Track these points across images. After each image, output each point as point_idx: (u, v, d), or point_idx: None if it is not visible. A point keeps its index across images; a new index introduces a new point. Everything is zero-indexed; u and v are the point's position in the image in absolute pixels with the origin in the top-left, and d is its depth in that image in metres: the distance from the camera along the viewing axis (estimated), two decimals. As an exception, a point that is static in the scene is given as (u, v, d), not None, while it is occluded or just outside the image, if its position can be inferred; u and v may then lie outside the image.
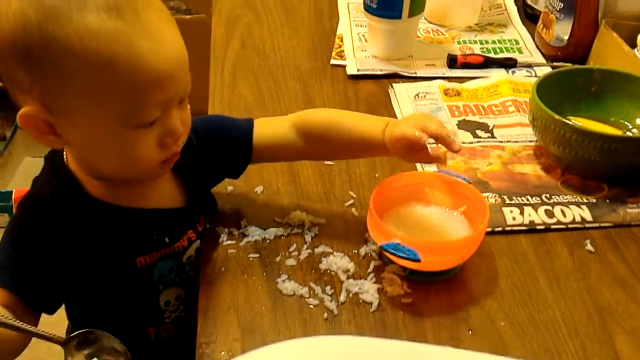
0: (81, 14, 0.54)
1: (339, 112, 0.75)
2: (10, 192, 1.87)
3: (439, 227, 0.72)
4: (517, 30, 1.19)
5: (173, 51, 0.58)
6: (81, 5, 0.54)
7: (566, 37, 1.07)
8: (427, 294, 0.67)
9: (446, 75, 1.06)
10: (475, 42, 1.16)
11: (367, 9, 1.06)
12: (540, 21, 1.13)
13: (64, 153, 0.67)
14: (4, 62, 0.57)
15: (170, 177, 0.71)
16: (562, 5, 1.06)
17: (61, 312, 0.70)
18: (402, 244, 0.64)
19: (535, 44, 1.14)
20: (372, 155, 0.82)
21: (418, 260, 0.63)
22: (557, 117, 0.80)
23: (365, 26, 1.15)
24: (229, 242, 0.73)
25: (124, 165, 0.62)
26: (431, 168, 0.83)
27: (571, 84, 0.90)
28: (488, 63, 1.08)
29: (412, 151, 0.67)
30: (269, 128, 0.75)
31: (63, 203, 0.65)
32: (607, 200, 0.79)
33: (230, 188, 0.81)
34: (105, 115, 0.58)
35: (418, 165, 0.85)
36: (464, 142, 0.89)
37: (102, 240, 0.66)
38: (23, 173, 2.10)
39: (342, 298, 0.67)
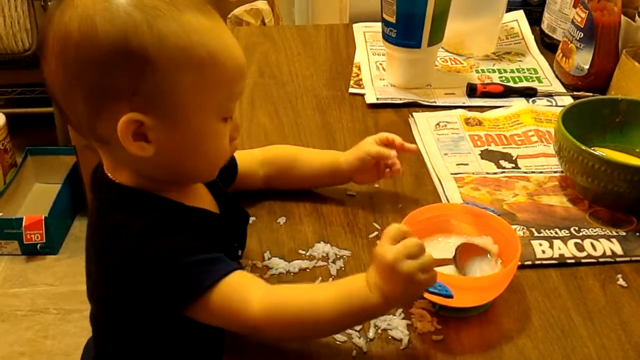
0: (179, 12, 0.57)
1: (300, 147, 0.87)
2: (21, 219, 1.86)
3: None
4: (535, 59, 1.19)
5: (240, 48, 0.62)
6: (175, 4, 0.57)
7: (586, 67, 1.06)
8: (459, 330, 0.65)
9: (466, 104, 1.05)
10: (493, 71, 1.15)
11: (386, 38, 1.05)
12: (559, 50, 1.12)
13: (110, 178, 0.63)
14: (102, 69, 0.55)
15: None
16: (582, 35, 1.05)
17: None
18: (433, 280, 0.63)
19: (555, 73, 1.14)
20: (330, 183, 0.85)
21: (450, 296, 0.61)
22: (583, 147, 0.79)
23: (383, 54, 1.15)
24: (253, 274, 0.71)
25: (208, 162, 0.63)
26: (457, 200, 0.82)
27: (596, 114, 0.89)
28: (508, 92, 1.07)
29: (367, 170, 0.80)
30: (242, 159, 0.80)
31: (167, 214, 0.62)
32: (637, 234, 0.78)
33: (252, 219, 0.80)
34: (205, 108, 0.59)
35: (443, 197, 0.84)
36: (487, 173, 0.88)
37: (210, 242, 0.61)
38: (33, 200, 2.09)
39: (370, 334, 0.65)
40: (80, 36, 0.55)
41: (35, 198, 2.09)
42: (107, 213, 0.62)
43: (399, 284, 0.57)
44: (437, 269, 0.64)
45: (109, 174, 0.63)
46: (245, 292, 0.58)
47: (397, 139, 0.81)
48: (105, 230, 0.61)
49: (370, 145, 0.80)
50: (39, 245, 1.88)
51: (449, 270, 0.67)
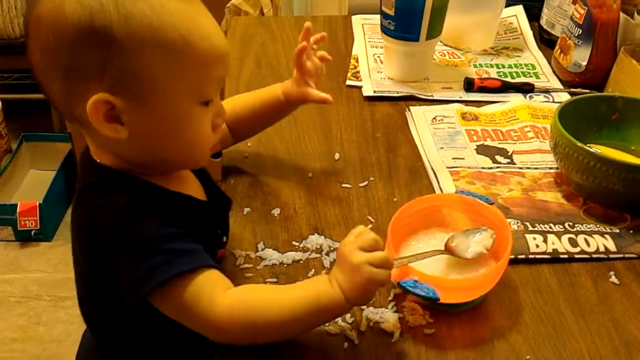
0: None
1: (239, 96, 0.88)
2: (15, 205, 1.85)
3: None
4: (534, 54, 1.19)
5: (223, 34, 0.62)
6: None
7: (584, 63, 1.06)
8: (450, 325, 0.65)
9: (463, 98, 1.05)
10: (491, 65, 1.15)
11: (385, 30, 1.05)
12: (557, 46, 1.12)
13: (95, 159, 0.63)
14: (71, 49, 0.55)
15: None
16: (580, 31, 1.05)
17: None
18: (421, 282, 0.62)
19: (552, 69, 1.14)
20: (278, 115, 0.87)
21: (437, 299, 0.61)
22: (579, 144, 0.79)
23: (381, 47, 1.14)
24: (246, 265, 0.72)
25: (188, 147, 0.62)
26: (450, 190, 0.82)
27: (593, 111, 0.89)
28: (505, 87, 1.07)
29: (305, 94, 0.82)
30: None
31: (148, 196, 0.61)
32: (631, 231, 0.78)
33: (247, 209, 0.79)
34: (178, 91, 0.59)
35: (437, 190, 0.84)
36: (483, 168, 0.88)
37: (190, 229, 0.61)
38: (28, 186, 2.09)
39: (362, 327, 0.65)
40: (51, 16, 0.56)
41: (30, 184, 2.09)
42: (87, 194, 0.62)
43: (349, 274, 0.58)
44: (426, 271, 0.64)
45: (94, 156, 0.64)
46: (212, 291, 0.58)
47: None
48: (85, 211, 0.62)
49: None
50: (33, 232, 1.88)
51: (439, 265, 0.67)
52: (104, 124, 0.58)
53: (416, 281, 0.63)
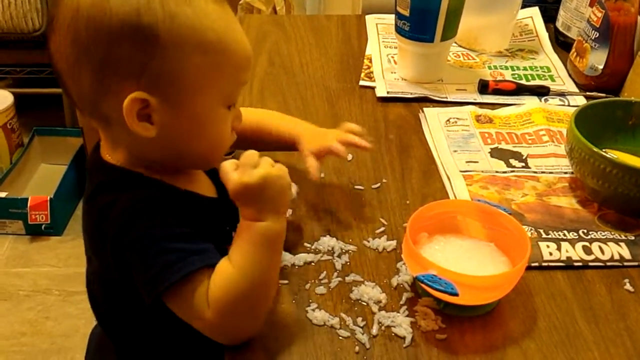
0: None
1: (267, 113, 0.86)
2: (26, 199, 1.86)
3: (474, 260, 0.69)
4: (549, 57, 1.17)
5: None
6: None
7: (601, 67, 1.05)
8: (463, 330, 0.65)
9: (477, 100, 1.04)
10: (506, 67, 1.14)
11: (399, 31, 1.04)
12: (573, 49, 1.11)
13: (104, 160, 0.64)
14: (111, 43, 0.55)
15: None
16: (597, 35, 1.04)
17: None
18: (439, 276, 0.62)
19: (568, 72, 1.13)
20: (281, 149, 0.84)
21: (455, 294, 0.61)
22: (595, 149, 0.78)
23: (395, 48, 1.14)
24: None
25: (209, 148, 0.63)
26: (465, 199, 0.81)
27: (609, 115, 0.88)
28: (520, 90, 1.06)
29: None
30: None
31: (161, 195, 0.61)
32: (646, 238, 0.77)
33: (258, 210, 0.79)
34: (211, 93, 0.60)
35: (451, 194, 0.83)
36: (497, 172, 0.87)
37: (198, 226, 0.61)
38: (39, 180, 2.09)
39: (374, 331, 0.64)
40: (93, 8, 0.55)
41: (41, 179, 2.09)
42: (97, 195, 0.62)
43: (265, 190, 0.58)
44: (438, 263, 0.63)
45: (106, 154, 0.64)
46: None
47: (360, 142, 0.80)
48: (95, 212, 0.62)
49: (330, 141, 0.79)
50: (43, 226, 1.89)
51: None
52: (136, 122, 0.58)
53: (434, 275, 0.62)
